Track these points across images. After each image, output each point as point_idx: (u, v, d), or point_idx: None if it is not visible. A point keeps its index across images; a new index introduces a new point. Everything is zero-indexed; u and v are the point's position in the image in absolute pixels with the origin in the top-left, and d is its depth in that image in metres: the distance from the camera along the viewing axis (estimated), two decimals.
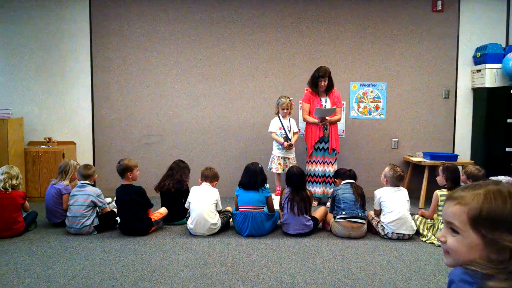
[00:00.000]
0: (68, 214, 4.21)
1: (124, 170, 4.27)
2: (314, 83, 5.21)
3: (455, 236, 1.14)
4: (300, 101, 5.63)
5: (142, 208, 4.20)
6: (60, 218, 4.41)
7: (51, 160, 5.50)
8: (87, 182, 4.37)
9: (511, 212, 1.08)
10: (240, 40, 5.90)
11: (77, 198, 4.22)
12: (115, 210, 4.48)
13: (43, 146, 5.64)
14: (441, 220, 4.03)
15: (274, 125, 5.31)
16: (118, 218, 4.39)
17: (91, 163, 5.80)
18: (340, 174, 4.62)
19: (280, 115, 5.30)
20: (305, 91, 5.49)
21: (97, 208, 4.29)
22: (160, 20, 5.88)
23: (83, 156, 5.90)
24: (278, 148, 5.29)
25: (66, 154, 5.58)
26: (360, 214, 4.09)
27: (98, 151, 5.99)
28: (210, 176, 4.39)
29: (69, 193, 4.37)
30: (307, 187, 5.12)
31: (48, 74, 5.89)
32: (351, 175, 4.51)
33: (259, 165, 4.34)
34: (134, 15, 5.87)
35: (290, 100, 5.27)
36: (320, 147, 5.29)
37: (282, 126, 5.25)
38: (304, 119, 5.36)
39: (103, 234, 4.20)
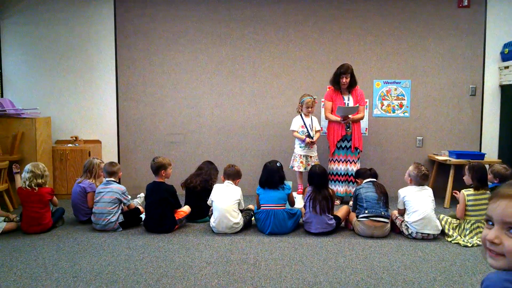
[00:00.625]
0: (94, 210, 4.31)
1: (158, 167, 4.33)
2: (336, 80, 5.18)
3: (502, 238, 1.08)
4: (323, 99, 5.60)
5: (169, 207, 4.25)
6: (86, 216, 4.51)
7: (77, 158, 5.63)
8: (113, 179, 4.45)
9: None
10: (263, 39, 5.90)
11: (103, 195, 4.31)
12: (140, 207, 4.56)
13: (70, 145, 5.77)
14: (468, 220, 3.95)
15: (296, 124, 5.30)
16: (142, 215, 4.47)
17: (116, 161, 5.90)
18: (361, 174, 4.59)
19: (302, 113, 5.28)
20: (327, 89, 5.46)
21: (122, 205, 4.37)
22: (185, 19, 5.94)
23: (108, 154, 6.02)
24: (300, 147, 5.28)
25: (92, 152, 5.70)
26: (383, 213, 4.04)
27: (123, 149, 6.10)
28: (232, 174, 4.42)
29: (94, 191, 4.46)
30: (330, 186, 5.11)
31: (75, 74, 6.03)
32: (372, 173, 4.48)
33: (277, 163, 4.34)
34: (158, 15, 5.94)
35: (314, 99, 5.25)
36: (343, 146, 5.25)
37: (304, 124, 5.24)
38: (327, 118, 5.33)
39: (128, 231, 4.28)
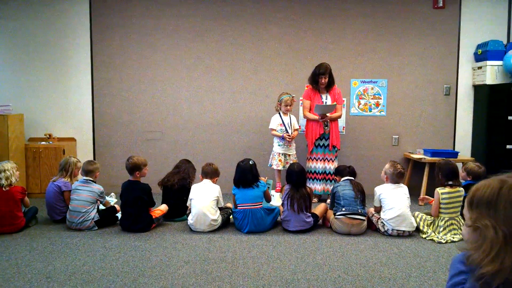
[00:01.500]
0: (70, 208, 4.22)
1: (132, 168, 4.26)
2: (314, 80, 5.21)
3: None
4: (301, 98, 5.63)
5: (145, 206, 4.20)
6: (60, 215, 4.42)
7: (51, 156, 5.51)
8: (90, 178, 4.37)
9: (489, 197, 1.25)
10: (243, 36, 5.89)
11: (80, 193, 4.23)
12: (116, 206, 4.49)
13: (44, 142, 5.64)
14: (442, 218, 4.04)
15: (275, 122, 5.31)
16: (118, 215, 4.40)
17: (91, 159, 5.79)
18: (340, 171, 4.63)
19: (281, 111, 5.30)
20: (306, 88, 5.49)
21: (99, 203, 4.32)
22: (163, 15, 5.86)
23: (84, 152, 5.90)
24: (279, 145, 5.29)
25: (67, 150, 5.58)
26: (360, 211, 4.09)
27: (99, 147, 5.99)
28: (210, 172, 4.40)
29: (70, 190, 4.38)
30: (308, 184, 5.13)
31: (49, 70, 5.89)
32: (351, 171, 4.52)
33: (250, 161, 4.34)
34: (135, 10, 5.85)
35: (292, 97, 5.28)
36: (321, 144, 5.29)
37: (283, 122, 5.26)
38: (305, 116, 5.36)
39: (104, 230, 4.21)
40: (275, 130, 5.28)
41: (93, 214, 4.21)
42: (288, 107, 5.25)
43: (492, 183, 1.27)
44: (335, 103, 5.20)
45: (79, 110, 5.94)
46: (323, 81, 5.14)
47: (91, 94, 5.92)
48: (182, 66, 5.92)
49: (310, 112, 5.28)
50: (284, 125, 5.25)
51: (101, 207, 4.44)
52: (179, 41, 5.89)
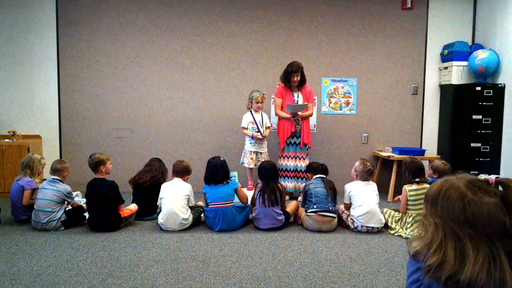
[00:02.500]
0: (35, 207, 4.09)
1: (97, 164, 4.16)
2: (286, 78, 5.23)
3: None
4: (273, 96, 5.64)
5: (112, 204, 4.11)
6: (25, 215, 4.28)
7: (15, 155, 5.31)
8: (58, 178, 4.24)
9: (433, 193, 1.36)
10: (214, 34, 5.84)
11: (46, 193, 4.09)
12: (84, 205, 4.38)
13: (7, 140, 5.44)
14: (409, 214, 4.13)
15: (246, 120, 5.30)
16: (86, 214, 4.30)
17: (57, 157, 5.63)
18: (312, 169, 4.66)
19: (252, 109, 5.30)
20: (278, 86, 5.50)
21: (66, 204, 4.19)
22: (133, 9, 5.75)
23: (50, 150, 5.73)
24: (251, 143, 5.29)
25: (32, 148, 5.40)
26: (331, 208, 4.14)
27: (65, 145, 5.83)
28: (180, 171, 4.34)
29: (33, 189, 4.25)
30: (280, 182, 5.16)
31: (12, 64, 5.68)
32: (323, 169, 4.57)
33: (221, 158, 4.33)
34: (104, 3, 5.71)
35: (263, 94, 5.29)
36: (292, 142, 5.32)
37: (254, 120, 5.26)
38: (277, 114, 5.38)
39: (71, 230, 4.10)
40: (247, 128, 5.28)
41: (60, 214, 4.08)
42: (259, 104, 5.26)
43: (439, 181, 1.37)
44: (306, 102, 5.23)
45: (44, 107, 5.76)
46: (295, 79, 5.17)
47: (58, 90, 5.75)
48: (152, 63, 5.83)
49: (282, 110, 5.30)
50: (256, 123, 5.25)
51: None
52: (149, 37, 5.79)
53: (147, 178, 4.51)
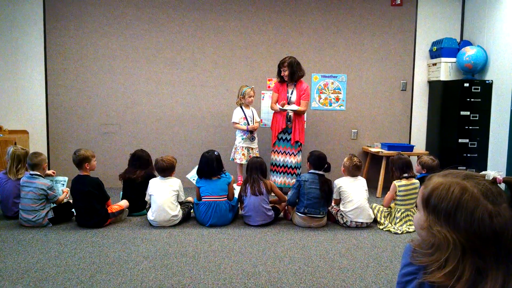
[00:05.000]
0: (20, 207, 4.02)
1: (81, 161, 4.10)
2: (278, 72, 5.24)
3: (417, 212, 1.29)
4: (263, 92, 5.64)
5: (97, 201, 4.06)
6: (12, 210, 4.21)
7: (2, 150, 5.23)
8: (37, 172, 4.12)
9: (448, 205, 1.16)
10: (203, 29, 5.81)
11: (28, 191, 4.01)
12: (71, 201, 4.33)
13: None
14: (398, 209, 4.16)
15: (237, 115, 5.29)
16: (74, 210, 4.25)
17: (45, 153, 5.55)
18: (315, 163, 4.29)
19: (243, 105, 5.29)
20: (274, 81, 5.50)
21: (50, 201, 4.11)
22: (120, 3, 5.68)
23: (37, 145, 5.65)
24: (242, 139, 5.28)
25: (19, 143, 5.31)
26: (321, 213, 4.14)
27: (53, 140, 5.76)
28: (163, 169, 4.22)
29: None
30: (270, 176, 5.19)
31: None
32: (327, 169, 4.29)
33: (215, 152, 4.32)
34: None
35: (252, 87, 5.30)
36: (283, 138, 5.31)
37: (245, 115, 5.25)
38: (272, 108, 5.37)
39: (59, 227, 4.05)
40: (238, 123, 5.26)
41: (46, 211, 4.03)
42: (252, 98, 5.29)
43: (452, 188, 1.18)
44: (283, 102, 5.19)
45: (31, 102, 5.67)
46: (283, 73, 5.17)
47: (45, 85, 5.67)
48: (140, 58, 5.77)
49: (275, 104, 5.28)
50: (247, 118, 5.24)
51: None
52: (138, 31, 5.74)
53: (140, 174, 4.45)
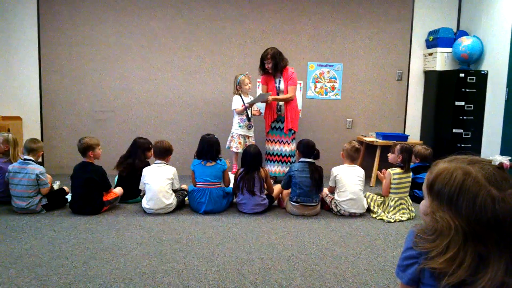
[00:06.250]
0: (12, 193, 3.99)
1: (85, 148, 4.08)
2: (262, 65, 5.19)
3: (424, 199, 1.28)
4: (258, 80, 5.61)
5: (97, 188, 4.05)
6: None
7: None
8: (31, 158, 4.10)
9: (451, 189, 1.15)
10: (198, 15, 5.76)
11: (22, 177, 3.98)
12: (65, 187, 4.32)
13: None
14: (392, 198, 4.18)
15: (237, 103, 5.22)
16: (68, 196, 4.24)
17: (39, 139, 5.52)
18: (304, 151, 4.30)
19: (241, 93, 5.25)
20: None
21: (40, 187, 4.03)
22: None
23: (30, 132, 5.61)
24: (240, 126, 5.23)
25: (12, 130, 5.28)
26: (314, 201, 4.15)
27: (46, 126, 5.72)
28: (161, 152, 4.25)
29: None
30: (266, 165, 5.17)
31: None
32: (316, 155, 4.28)
33: (215, 136, 4.31)
34: None
35: (247, 74, 5.26)
36: (277, 127, 5.31)
37: (244, 103, 5.20)
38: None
39: (52, 213, 4.05)
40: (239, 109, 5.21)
41: (40, 197, 4.02)
42: (248, 85, 5.24)
43: (455, 173, 1.17)
44: (269, 93, 5.16)
45: (25, 88, 5.63)
46: (267, 66, 5.13)
47: (38, 71, 5.62)
48: (135, 44, 5.72)
49: None
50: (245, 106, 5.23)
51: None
52: (132, 17, 5.68)
53: (137, 163, 4.42)
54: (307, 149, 4.30)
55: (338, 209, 4.17)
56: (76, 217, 3.93)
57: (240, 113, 5.20)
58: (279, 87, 5.22)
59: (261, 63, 5.19)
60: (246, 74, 5.26)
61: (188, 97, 5.86)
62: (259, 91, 5.68)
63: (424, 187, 1.26)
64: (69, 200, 4.19)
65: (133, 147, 4.56)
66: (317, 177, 4.15)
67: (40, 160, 4.34)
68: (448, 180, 1.17)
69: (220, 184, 4.22)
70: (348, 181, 4.17)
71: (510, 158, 1.20)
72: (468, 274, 1.11)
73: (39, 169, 4.04)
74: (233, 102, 5.28)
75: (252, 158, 4.24)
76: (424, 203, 1.26)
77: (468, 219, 1.12)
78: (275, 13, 5.84)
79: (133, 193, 4.44)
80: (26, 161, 4.06)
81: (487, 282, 1.09)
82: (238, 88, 5.24)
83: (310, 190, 4.11)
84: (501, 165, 1.17)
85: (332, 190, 4.31)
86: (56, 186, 4.52)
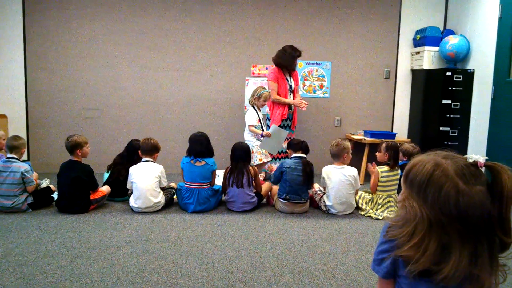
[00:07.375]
0: None
1: (73, 147, 4.02)
2: (289, 62, 5.17)
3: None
4: (247, 78, 5.60)
5: (84, 187, 4.00)
6: None
7: None
8: (14, 156, 4.03)
9: (421, 179, 1.22)
10: (188, 13, 5.72)
11: (6, 176, 3.91)
12: (51, 186, 4.26)
13: None
14: (380, 195, 4.21)
15: (253, 117, 5.16)
16: (54, 195, 4.19)
17: (25, 138, 5.44)
18: (292, 145, 4.43)
19: (256, 106, 5.20)
20: (271, 69, 5.34)
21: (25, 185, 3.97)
22: None
23: (16, 130, 5.52)
24: (257, 139, 5.16)
25: None
26: (303, 199, 4.15)
27: (32, 125, 5.64)
28: (148, 149, 4.21)
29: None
30: (273, 164, 5.26)
31: None
32: (304, 147, 4.35)
33: (204, 134, 4.30)
34: None
35: (269, 92, 5.18)
36: (286, 125, 5.30)
37: (259, 118, 5.19)
38: (276, 100, 5.21)
39: (38, 211, 3.99)
40: (254, 127, 5.15)
41: (24, 196, 3.96)
42: (266, 103, 5.20)
43: (427, 164, 1.23)
44: (287, 132, 5.15)
45: (10, 85, 5.54)
46: (296, 62, 5.25)
47: (24, 68, 5.54)
48: (124, 41, 5.67)
49: (279, 96, 5.21)
50: (260, 121, 5.20)
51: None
52: (121, 14, 5.63)
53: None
54: (296, 144, 4.38)
55: (327, 208, 4.18)
56: (62, 216, 3.88)
57: (253, 132, 5.16)
58: (291, 85, 5.26)
59: (290, 59, 5.16)
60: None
61: (178, 95, 5.82)
62: (247, 90, 5.65)
63: (402, 178, 1.33)
64: (55, 198, 4.14)
65: (129, 150, 4.51)
66: (309, 171, 4.17)
67: (25, 157, 4.28)
68: (420, 171, 1.23)
69: (208, 184, 4.20)
70: (335, 185, 4.11)
71: (487, 158, 1.24)
72: (432, 263, 1.16)
73: (24, 167, 3.97)
74: (249, 116, 5.20)
75: (240, 152, 4.24)
76: (401, 193, 1.32)
77: (433, 208, 1.18)
78: (265, 11, 5.83)
79: (123, 191, 4.39)
80: (10, 159, 3.99)
81: (449, 271, 1.13)
82: (256, 99, 5.19)
83: (300, 188, 4.12)
84: (475, 163, 1.21)
85: (323, 187, 4.31)
86: (45, 184, 4.45)
